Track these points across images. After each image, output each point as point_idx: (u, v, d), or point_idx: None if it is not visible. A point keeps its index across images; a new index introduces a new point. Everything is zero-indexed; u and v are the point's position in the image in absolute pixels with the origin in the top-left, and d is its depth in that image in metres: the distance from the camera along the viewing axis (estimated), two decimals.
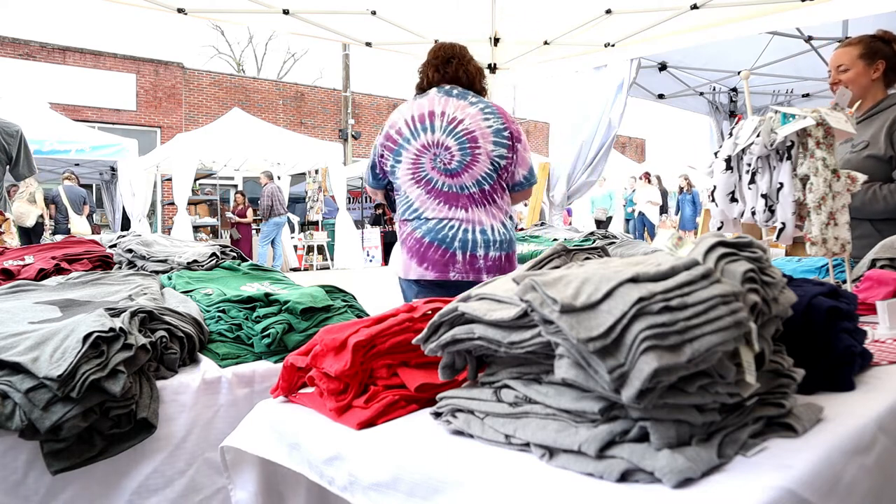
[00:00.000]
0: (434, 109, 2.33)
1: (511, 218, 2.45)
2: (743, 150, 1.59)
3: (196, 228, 11.74)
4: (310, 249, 12.15)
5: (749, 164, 1.59)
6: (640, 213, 12.91)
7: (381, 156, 2.36)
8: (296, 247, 12.38)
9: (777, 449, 0.81)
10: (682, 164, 14.26)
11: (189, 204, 11.35)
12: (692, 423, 0.76)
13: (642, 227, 12.75)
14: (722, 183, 1.64)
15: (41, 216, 8.32)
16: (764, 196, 1.56)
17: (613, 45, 4.67)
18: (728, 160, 1.63)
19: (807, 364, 0.98)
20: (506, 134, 2.36)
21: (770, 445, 0.81)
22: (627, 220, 13.36)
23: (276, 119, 17.52)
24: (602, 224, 12.79)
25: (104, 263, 2.31)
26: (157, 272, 2.17)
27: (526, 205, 6.24)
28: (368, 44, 4.79)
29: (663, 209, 13.32)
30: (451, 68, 2.40)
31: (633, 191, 13.26)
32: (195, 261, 2.19)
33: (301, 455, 1.05)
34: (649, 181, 13.10)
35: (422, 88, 2.43)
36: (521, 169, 2.42)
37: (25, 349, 1.26)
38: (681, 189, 12.55)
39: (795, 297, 0.95)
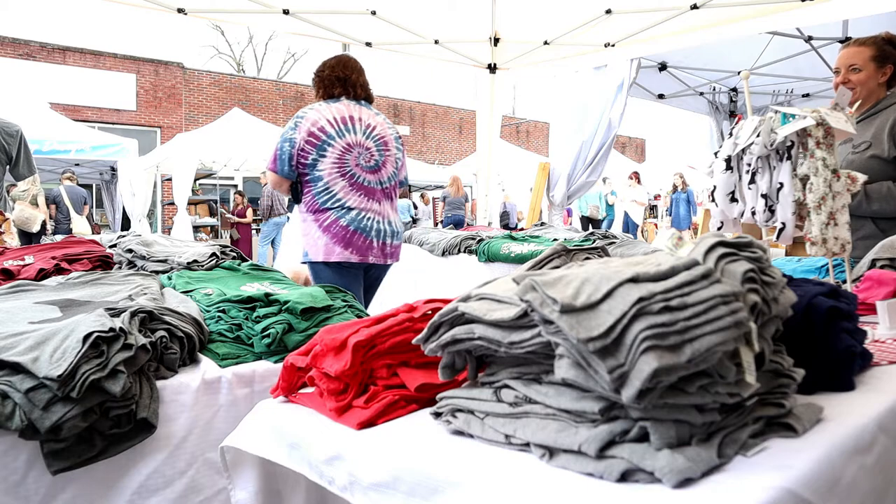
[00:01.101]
0: (353, 115, 2.72)
1: None
2: (743, 150, 1.58)
3: (196, 228, 11.72)
4: None
5: (749, 164, 1.59)
6: (625, 212, 12.84)
7: (302, 149, 2.64)
8: None
9: (777, 449, 0.80)
10: (682, 164, 14.17)
11: (189, 204, 11.33)
12: (692, 423, 0.76)
13: (627, 227, 12.65)
14: (722, 183, 1.64)
15: (44, 220, 8.23)
16: (764, 196, 1.56)
17: (613, 45, 4.67)
18: (728, 160, 1.62)
19: (807, 364, 0.98)
20: (400, 141, 2.92)
21: (770, 445, 0.81)
22: (601, 219, 13.09)
23: (276, 119, 17.52)
24: (595, 223, 12.62)
25: (104, 263, 2.31)
26: (157, 272, 2.17)
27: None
28: (368, 44, 4.80)
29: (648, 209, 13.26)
30: (369, 90, 2.86)
31: (611, 192, 13.13)
32: (195, 261, 2.19)
33: (301, 455, 1.05)
34: (639, 181, 13.04)
35: (332, 95, 2.76)
36: (405, 170, 2.97)
37: (25, 349, 1.26)
38: (675, 188, 12.46)
39: (795, 297, 0.95)
